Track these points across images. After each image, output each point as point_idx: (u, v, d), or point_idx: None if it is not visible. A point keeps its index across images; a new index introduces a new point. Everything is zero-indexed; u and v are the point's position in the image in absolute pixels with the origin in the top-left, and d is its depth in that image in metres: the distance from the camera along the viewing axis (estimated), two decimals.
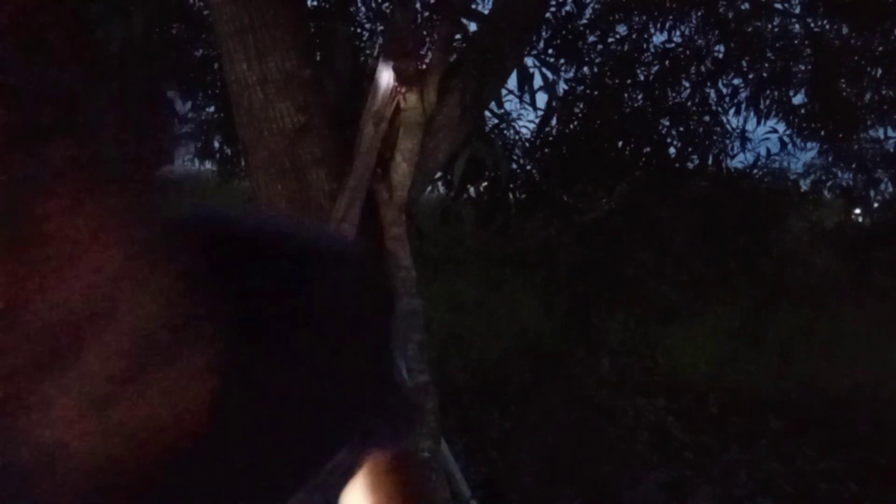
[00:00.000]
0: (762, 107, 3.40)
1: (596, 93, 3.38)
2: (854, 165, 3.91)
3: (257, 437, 0.43)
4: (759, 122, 3.46)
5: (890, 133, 3.72)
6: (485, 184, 3.13)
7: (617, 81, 3.41)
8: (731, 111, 3.48)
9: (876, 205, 4.07)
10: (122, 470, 0.38)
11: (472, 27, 2.12)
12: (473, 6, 2.40)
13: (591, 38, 3.34)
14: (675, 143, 3.43)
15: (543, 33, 3.11)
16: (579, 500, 3.33)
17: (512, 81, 2.38)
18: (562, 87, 3.20)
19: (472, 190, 3.04)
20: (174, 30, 4.21)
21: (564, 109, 3.26)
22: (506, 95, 2.59)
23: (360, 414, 0.50)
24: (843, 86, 3.48)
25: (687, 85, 3.43)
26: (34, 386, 0.33)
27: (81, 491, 0.37)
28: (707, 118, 3.44)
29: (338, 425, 0.48)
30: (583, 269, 3.37)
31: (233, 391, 0.40)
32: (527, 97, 2.45)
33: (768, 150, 3.74)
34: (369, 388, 0.50)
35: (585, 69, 3.38)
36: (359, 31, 3.11)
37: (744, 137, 3.58)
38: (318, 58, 2.39)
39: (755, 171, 3.70)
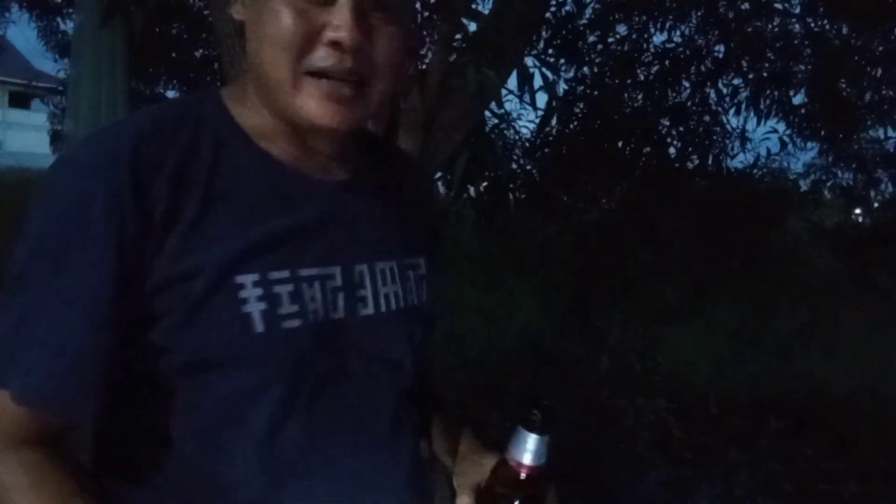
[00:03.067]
0: (762, 107, 3.40)
1: (596, 93, 3.37)
2: (854, 165, 3.89)
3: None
4: (759, 122, 3.46)
5: (890, 133, 3.71)
6: (485, 184, 3.12)
7: (617, 81, 3.41)
8: (731, 111, 3.48)
9: (876, 205, 4.06)
10: None
11: (473, 27, 2.12)
12: (473, 6, 2.40)
13: (591, 38, 3.34)
14: (675, 143, 3.43)
15: (543, 33, 3.11)
16: (579, 499, 3.33)
17: (512, 81, 2.38)
18: (562, 87, 3.19)
19: (472, 190, 3.03)
20: (174, 30, 4.21)
21: (564, 109, 3.26)
22: (506, 95, 2.58)
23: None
24: (843, 86, 3.48)
25: (687, 85, 3.43)
26: None
27: None
28: (707, 118, 3.44)
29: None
30: (583, 269, 3.37)
31: None
32: (527, 97, 2.44)
33: (768, 150, 3.73)
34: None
35: (585, 69, 3.38)
36: None
37: (744, 137, 3.58)
38: None
39: (755, 171, 3.69)
